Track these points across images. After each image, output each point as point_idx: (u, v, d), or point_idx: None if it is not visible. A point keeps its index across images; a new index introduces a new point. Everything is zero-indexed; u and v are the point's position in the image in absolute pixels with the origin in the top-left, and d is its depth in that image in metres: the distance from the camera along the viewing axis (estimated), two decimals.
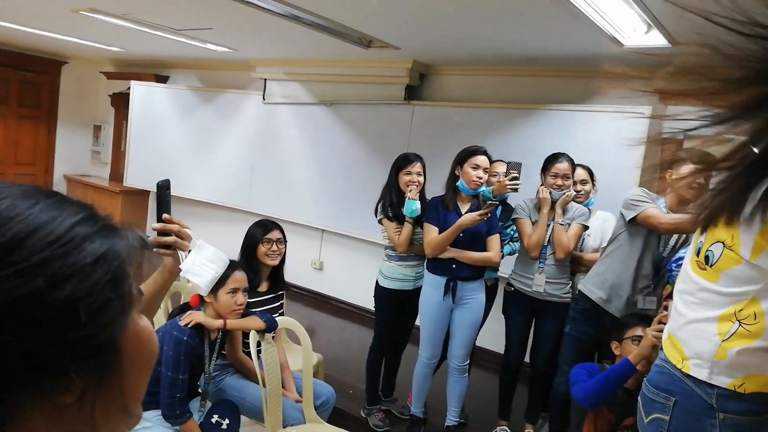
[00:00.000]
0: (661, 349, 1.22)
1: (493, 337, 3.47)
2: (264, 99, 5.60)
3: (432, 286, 2.95)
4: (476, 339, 3.11)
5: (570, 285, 3.04)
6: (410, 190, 3.01)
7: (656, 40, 2.95)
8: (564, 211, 2.98)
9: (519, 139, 4.05)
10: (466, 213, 2.89)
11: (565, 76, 4.00)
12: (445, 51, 4.12)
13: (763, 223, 1.00)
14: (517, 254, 3.20)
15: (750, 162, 0.99)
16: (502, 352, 3.24)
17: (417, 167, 3.06)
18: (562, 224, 2.95)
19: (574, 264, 3.11)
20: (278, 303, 2.81)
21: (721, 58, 0.97)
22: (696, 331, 1.11)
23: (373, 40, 4.03)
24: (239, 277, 2.36)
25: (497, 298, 3.34)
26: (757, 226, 1.01)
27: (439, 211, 2.95)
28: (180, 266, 1.19)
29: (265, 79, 5.56)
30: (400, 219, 3.03)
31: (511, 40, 3.49)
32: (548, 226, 2.98)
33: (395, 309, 3.14)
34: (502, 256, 3.25)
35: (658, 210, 2.53)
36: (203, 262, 1.26)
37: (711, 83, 1.00)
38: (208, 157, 6.06)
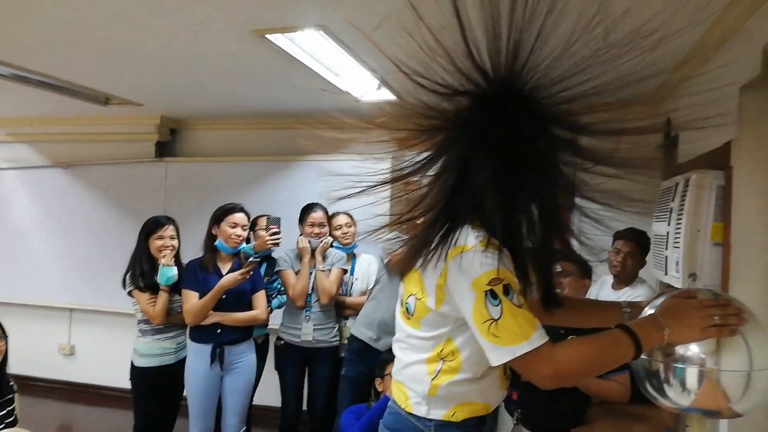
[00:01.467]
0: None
1: (270, 392, 3.39)
2: None
3: (197, 356, 2.77)
4: (252, 401, 3.00)
5: (336, 329, 3.14)
6: (164, 256, 2.81)
7: (387, 95, 3.28)
8: (324, 258, 3.08)
9: (279, 192, 4.09)
10: (227, 273, 2.80)
11: (317, 128, 4.19)
12: (193, 106, 4.01)
13: (439, 276, 1.12)
14: (285, 306, 3.20)
15: (433, 210, 1.15)
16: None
17: (170, 230, 2.88)
18: (324, 270, 3.05)
19: (340, 308, 3.22)
20: (4, 411, 2.33)
21: (420, 111, 1.16)
22: (411, 374, 1.22)
23: (110, 97, 3.73)
24: None
25: (270, 353, 3.28)
26: (435, 278, 1.13)
27: (197, 274, 2.80)
28: None
29: None
30: (153, 288, 2.80)
31: (258, 96, 3.56)
32: (311, 273, 3.05)
33: (157, 388, 2.85)
34: (271, 311, 3.23)
35: None
36: None
37: (414, 132, 1.17)
38: None
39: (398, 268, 1.27)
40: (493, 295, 1.05)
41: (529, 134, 1.09)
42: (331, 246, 3.21)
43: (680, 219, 2.15)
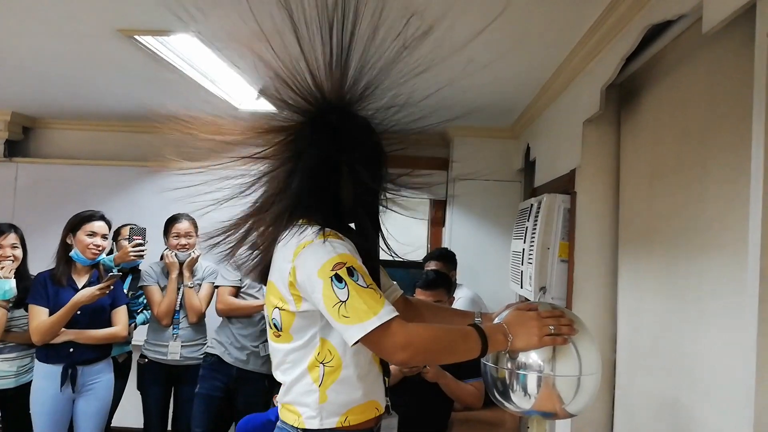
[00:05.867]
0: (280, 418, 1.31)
1: (133, 412, 3.17)
2: None
3: (45, 379, 2.53)
4: (110, 423, 2.80)
5: (207, 345, 3.01)
6: (1, 268, 2.53)
7: (266, 105, 3.24)
8: (192, 273, 2.95)
9: (147, 199, 3.85)
10: (83, 287, 2.59)
11: (192, 134, 4.02)
12: (51, 103, 3.67)
13: (288, 276, 1.17)
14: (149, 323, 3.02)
15: (268, 218, 1.21)
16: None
17: (10, 239, 2.60)
18: (192, 286, 2.92)
19: None
20: None
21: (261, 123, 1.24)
22: (299, 389, 1.22)
23: None
24: None
25: (133, 372, 3.07)
26: (285, 279, 1.18)
27: (48, 288, 2.56)
28: None
29: None
30: None
31: (126, 97, 3.35)
32: (179, 290, 2.91)
33: None
34: (135, 327, 3.04)
35: None
36: None
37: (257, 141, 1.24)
38: None
39: (254, 276, 1.31)
40: (338, 278, 1.10)
41: (345, 143, 1.20)
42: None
43: (533, 237, 2.37)
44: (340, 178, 1.19)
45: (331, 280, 1.10)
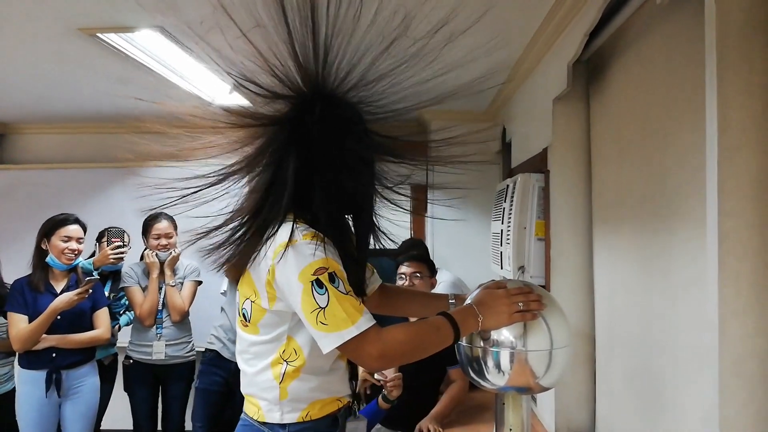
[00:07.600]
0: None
1: (122, 414, 3.16)
2: None
3: (29, 385, 2.52)
4: (99, 426, 2.79)
5: (192, 342, 3.01)
6: None
7: (240, 100, 3.21)
8: (174, 272, 2.93)
9: (126, 201, 3.81)
10: (62, 292, 2.56)
11: (167, 132, 3.98)
12: (22, 108, 3.61)
13: (267, 273, 1.14)
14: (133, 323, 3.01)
15: (255, 210, 1.17)
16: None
17: None
18: (174, 285, 2.90)
19: None
20: None
21: (240, 115, 1.18)
22: (259, 383, 1.22)
23: None
24: None
25: (119, 374, 3.06)
26: (263, 276, 1.16)
27: (26, 295, 2.54)
28: None
29: None
30: None
31: (96, 98, 3.30)
32: (160, 289, 2.89)
33: None
34: (119, 328, 3.02)
35: None
36: None
37: (235, 135, 1.19)
38: None
39: (231, 273, 1.27)
40: (318, 284, 1.08)
41: (338, 134, 1.16)
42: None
43: (510, 218, 2.38)
44: (327, 178, 1.15)
45: (312, 284, 1.08)
